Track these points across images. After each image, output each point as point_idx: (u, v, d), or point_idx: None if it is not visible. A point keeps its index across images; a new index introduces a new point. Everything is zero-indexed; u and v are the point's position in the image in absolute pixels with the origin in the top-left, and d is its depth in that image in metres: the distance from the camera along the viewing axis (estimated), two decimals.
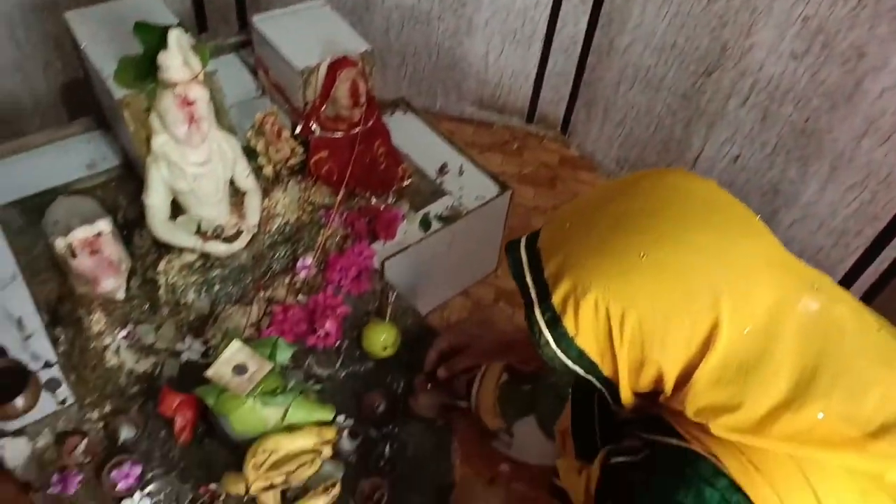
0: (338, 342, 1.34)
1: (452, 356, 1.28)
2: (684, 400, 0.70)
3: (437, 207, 1.56)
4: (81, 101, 1.89)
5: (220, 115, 1.34)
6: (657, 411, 0.77)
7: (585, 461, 0.97)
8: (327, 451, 1.17)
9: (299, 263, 1.40)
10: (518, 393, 1.55)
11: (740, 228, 0.71)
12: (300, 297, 1.38)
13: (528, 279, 0.77)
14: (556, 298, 0.72)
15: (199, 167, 1.28)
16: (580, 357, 0.74)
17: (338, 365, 1.32)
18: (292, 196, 1.47)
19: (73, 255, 1.17)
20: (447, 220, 1.54)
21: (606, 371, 0.75)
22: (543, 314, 0.73)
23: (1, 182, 1.41)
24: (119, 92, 1.20)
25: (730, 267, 0.68)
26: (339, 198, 1.44)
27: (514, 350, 1.25)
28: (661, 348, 0.69)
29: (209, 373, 1.10)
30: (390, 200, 1.54)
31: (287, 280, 1.39)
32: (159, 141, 1.25)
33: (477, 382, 1.53)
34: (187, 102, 1.20)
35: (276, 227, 1.43)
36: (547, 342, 0.74)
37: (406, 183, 1.57)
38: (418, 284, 1.57)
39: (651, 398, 0.76)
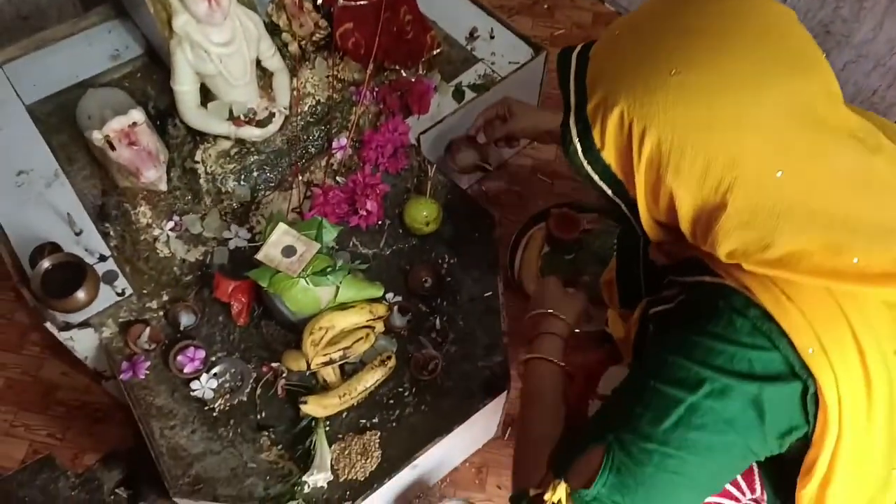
0: (380, 221, 1.34)
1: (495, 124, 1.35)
2: (714, 242, 0.69)
3: (469, 76, 1.51)
4: None
5: None
6: (691, 253, 0.76)
7: (630, 311, 0.98)
8: (380, 327, 1.20)
9: (335, 144, 1.38)
10: (560, 262, 1.56)
11: (791, 66, 0.66)
12: (339, 178, 1.37)
13: (571, 85, 0.75)
14: (590, 107, 0.71)
15: (224, 47, 1.24)
16: (605, 172, 0.74)
17: (382, 243, 1.33)
18: (320, 73, 1.42)
19: (112, 147, 1.16)
20: (480, 88, 1.49)
21: (632, 192, 0.74)
22: (577, 122, 0.73)
23: (28, 79, 1.39)
24: None
25: (762, 105, 0.64)
26: (369, 72, 1.39)
27: (552, 133, 1.27)
28: (675, 174, 0.68)
29: (259, 255, 1.12)
30: (420, 72, 1.48)
31: (324, 162, 1.38)
32: (180, 21, 1.20)
33: (520, 253, 1.54)
34: None
35: (307, 107, 1.39)
36: (575, 150, 0.73)
37: (436, 52, 1.51)
38: None
39: (679, 235, 0.75)
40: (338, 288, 1.16)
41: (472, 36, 1.56)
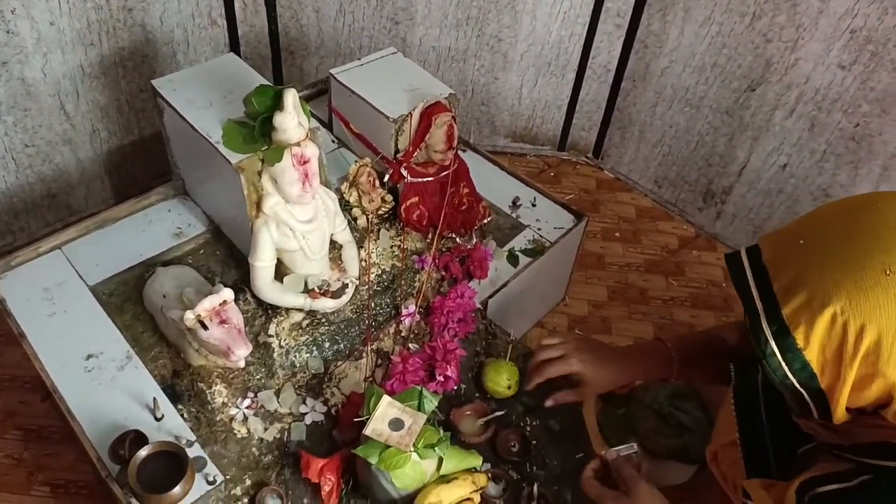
0: (456, 386, 1.33)
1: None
2: None
3: (519, 241, 1.57)
4: (127, 170, 1.84)
5: (321, 170, 1.33)
6: (880, 436, 0.78)
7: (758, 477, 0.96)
8: (477, 498, 1.15)
9: (403, 311, 1.39)
10: (614, 417, 1.57)
11: None
12: (411, 344, 1.36)
13: (755, 292, 0.79)
14: (787, 310, 0.75)
15: (307, 224, 1.27)
16: (801, 369, 0.76)
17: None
18: (384, 244, 1.46)
19: (204, 326, 1.13)
20: (533, 252, 1.55)
21: (823, 384, 0.76)
22: (771, 326, 0.76)
23: (89, 259, 1.36)
24: (234, 157, 1.18)
25: None
26: (435, 241, 1.44)
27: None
28: (895, 363, 0.71)
29: (367, 431, 1.08)
30: (474, 239, 1.54)
31: (392, 329, 1.38)
32: (270, 202, 1.23)
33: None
34: (303, 161, 1.19)
35: (373, 276, 1.41)
36: (773, 352, 0.76)
37: (486, 220, 1.58)
38: (505, 319, 1.57)
39: (862, 415, 0.77)
40: (441, 459, 1.12)
41: (514, 204, 1.65)
